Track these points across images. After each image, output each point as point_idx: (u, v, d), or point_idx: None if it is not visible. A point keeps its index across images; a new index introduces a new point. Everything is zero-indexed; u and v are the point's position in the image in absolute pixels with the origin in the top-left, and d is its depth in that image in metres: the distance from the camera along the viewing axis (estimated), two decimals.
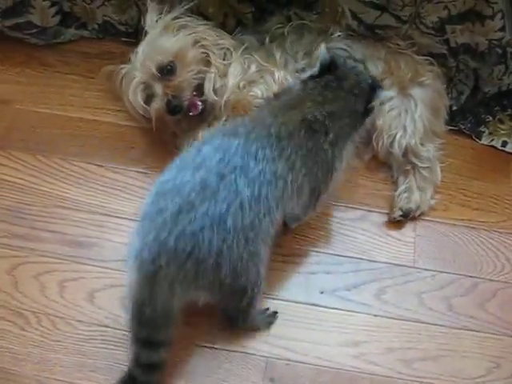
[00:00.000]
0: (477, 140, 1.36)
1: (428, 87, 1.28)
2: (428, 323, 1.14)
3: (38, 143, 1.33)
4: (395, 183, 1.28)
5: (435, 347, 1.11)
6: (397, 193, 1.26)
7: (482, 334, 1.13)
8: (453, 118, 1.35)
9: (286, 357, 1.10)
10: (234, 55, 1.24)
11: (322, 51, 1.08)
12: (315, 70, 1.08)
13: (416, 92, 1.26)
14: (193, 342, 1.10)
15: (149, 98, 1.22)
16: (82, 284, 1.16)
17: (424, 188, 1.25)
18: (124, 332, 1.09)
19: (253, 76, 1.23)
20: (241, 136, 0.98)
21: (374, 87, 1.09)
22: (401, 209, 1.23)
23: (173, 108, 1.19)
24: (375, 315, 1.14)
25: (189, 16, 1.26)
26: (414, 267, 1.20)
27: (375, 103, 1.10)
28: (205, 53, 1.23)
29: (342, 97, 1.06)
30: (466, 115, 1.37)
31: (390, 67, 1.27)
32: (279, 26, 1.29)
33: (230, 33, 1.30)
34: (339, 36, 1.28)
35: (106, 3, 1.40)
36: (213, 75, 1.22)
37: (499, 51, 1.25)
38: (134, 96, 1.22)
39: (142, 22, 1.26)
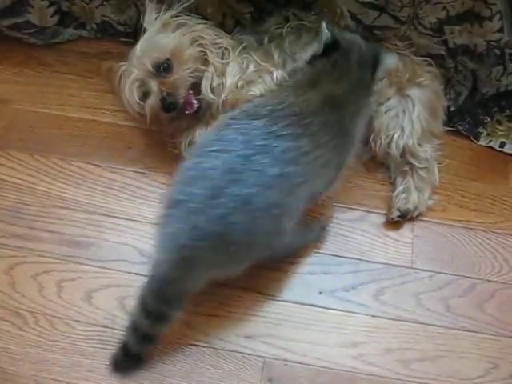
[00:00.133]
0: (475, 141, 1.36)
1: (426, 88, 1.28)
2: (426, 324, 1.14)
3: (37, 143, 1.33)
4: (393, 184, 1.28)
5: (433, 348, 1.12)
6: (395, 193, 1.26)
7: (480, 335, 1.13)
8: (451, 118, 1.35)
9: (285, 357, 1.10)
10: (232, 55, 1.24)
11: (323, 31, 1.11)
12: (317, 49, 1.11)
13: (414, 93, 1.26)
14: (191, 342, 1.10)
15: (145, 95, 1.22)
16: (80, 284, 1.16)
17: (422, 189, 1.25)
18: (121, 332, 1.09)
19: (251, 76, 1.23)
20: (263, 117, 1.00)
21: (377, 54, 1.13)
22: (399, 209, 1.23)
23: (167, 105, 1.18)
24: (373, 316, 1.14)
25: (187, 15, 1.26)
26: (412, 268, 1.20)
27: (382, 68, 1.14)
28: (202, 51, 1.23)
29: (353, 70, 1.10)
30: (464, 116, 1.37)
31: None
32: (278, 26, 1.28)
33: (229, 33, 1.29)
34: None
35: (105, 3, 1.39)
36: (210, 74, 1.21)
37: (497, 52, 1.25)
38: (130, 92, 1.22)
39: (142, 21, 1.26)
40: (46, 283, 1.16)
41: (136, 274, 1.16)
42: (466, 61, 1.31)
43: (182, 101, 1.19)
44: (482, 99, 1.36)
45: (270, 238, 1.01)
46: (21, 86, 1.42)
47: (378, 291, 1.17)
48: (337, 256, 1.20)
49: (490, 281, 1.19)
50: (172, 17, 1.24)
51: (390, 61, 1.16)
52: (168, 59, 1.20)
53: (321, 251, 1.20)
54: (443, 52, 1.31)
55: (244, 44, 1.27)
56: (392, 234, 1.24)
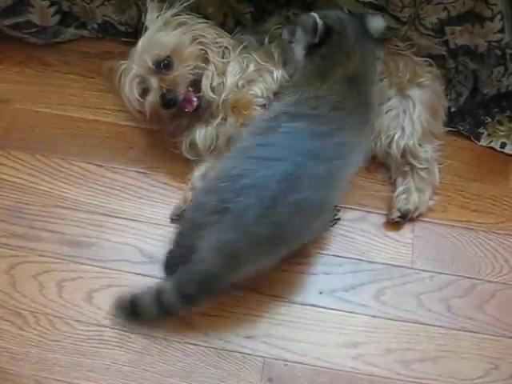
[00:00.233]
0: (475, 141, 1.36)
1: (427, 88, 1.28)
2: (426, 324, 1.14)
3: (38, 143, 1.33)
4: (393, 184, 1.28)
5: (434, 348, 1.12)
6: (395, 194, 1.26)
7: (480, 335, 1.13)
8: (451, 119, 1.35)
9: (285, 357, 1.10)
10: (233, 54, 1.25)
11: (317, 21, 1.12)
12: (311, 39, 1.13)
13: (414, 93, 1.26)
14: (191, 342, 1.10)
15: (144, 92, 1.22)
16: (81, 284, 1.16)
17: (422, 189, 1.25)
18: (121, 332, 1.10)
19: (251, 75, 1.23)
20: (304, 117, 1.04)
21: (364, 21, 1.17)
22: (399, 210, 1.23)
23: (167, 101, 1.19)
24: (374, 316, 1.14)
25: (188, 14, 1.26)
26: (413, 268, 1.20)
27: (374, 30, 1.17)
28: (203, 50, 1.23)
29: (357, 47, 1.14)
30: (465, 117, 1.37)
31: (388, 68, 1.27)
32: (278, 26, 1.28)
33: (230, 33, 1.30)
34: None
35: (106, 3, 1.39)
36: (211, 73, 1.22)
37: (498, 53, 1.25)
38: (130, 89, 1.22)
39: (143, 20, 1.26)
40: (46, 283, 1.16)
41: (137, 274, 1.16)
42: (466, 61, 1.30)
43: (181, 97, 1.19)
44: (483, 100, 1.36)
45: (317, 232, 1.11)
46: (22, 85, 1.42)
47: (378, 291, 1.17)
48: (337, 256, 1.20)
49: (490, 281, 1.19)
50: (173, 15, 1.24)
51: (377, 21, 1.18)
52: (168, 56, 1.20)
53: (321, 251, 1.21)
54: (444, 52, 1.30)
55: (244, 44, 1.27)
56: (392, 234, 1.24)
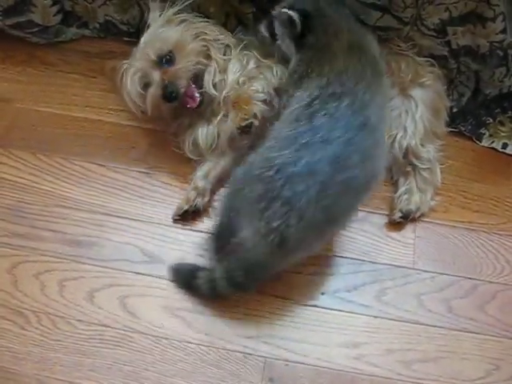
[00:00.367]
0: (477, 142, 1.36)
1: (428, 88, 1.28)
2: (427, 325, 1.14)
3: (39, 142, 1.33)
4: (395, 185, 1.28)
5: (435, 349, 1.12)
6: (397, 194, 1.26)
7: (481, 336, 1.13)
8: (453, 119, 1.35)
9: (286, 357, 1.10)
10: (233, 52, 1.25)
11: (290, 14, 1.12)
12: (295, 30, 1.13)
13: (416, 93, 1.26)
14: (192, 342, 1.10)
15: (146, 86, 1.22)
16: (82, 283, 1.16)
17: (424, 190, 1.25)
18: (123, 331, 1.10)
19: (252, 72, 1.24)
20: (344, 95, 1.04)
21: None
22: (401, 210, 1.23)
23: (169, 94, 1.19)
24: (375, 316, 1.14)
25: (190, 13, 1.27)
26: (414, 269, 1.20)
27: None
28: (205, 46, 1.24)
29: (340, 18, 1.15)
30: (467, 117, 1.37)
31: (390, 68, 1.26)
32: None
33: (231, 33, 1.30)
34: None
35: (108, 2, 1.39)
36: (213, 69, 1.22)
37: (500, 53, 1.25)
38: (132, 83, 1.22)
39: (145, 18, 1.27)
40: (48, 282, 1.16)
41: (138, 273, 1.16)
42: (468, 62, 1.30)
43: (183, 90, 1.19)
44: (485, 100, 1.36)
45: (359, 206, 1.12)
46: (23, 84, 1.42)
47: (379, 292, 1.17)
48: (339, 256, 1.20)
49: (491, 282, 1.19)
50: (175, 13, 1.25)
51: None
52: (171, 51, 1.20)
53: (323, 252, 1.20)
54: (446, 53, 1.30)
55: (245, 42, 1.27)
56: (394, 234, 1.24)
